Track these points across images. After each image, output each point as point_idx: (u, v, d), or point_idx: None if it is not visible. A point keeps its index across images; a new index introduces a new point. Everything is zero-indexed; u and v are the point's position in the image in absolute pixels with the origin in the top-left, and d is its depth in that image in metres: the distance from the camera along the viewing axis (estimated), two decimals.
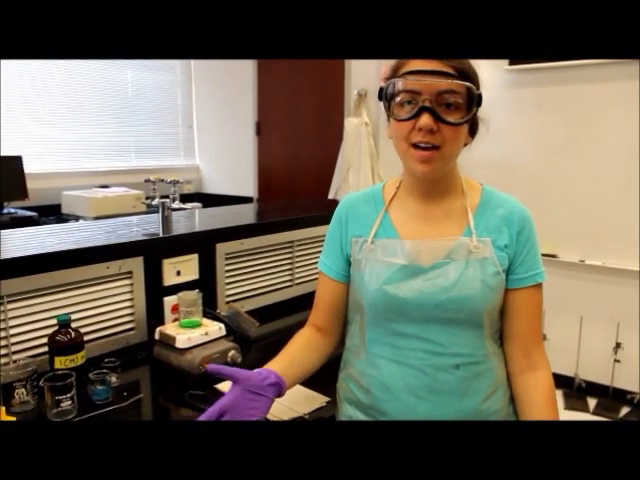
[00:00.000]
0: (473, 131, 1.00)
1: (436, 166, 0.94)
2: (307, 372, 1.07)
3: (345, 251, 1.08)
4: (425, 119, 0.90)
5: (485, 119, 1.01)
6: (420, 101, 0.90)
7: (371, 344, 1.03)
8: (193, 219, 2.02)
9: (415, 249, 0.99)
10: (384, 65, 1.00)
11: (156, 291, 1.56)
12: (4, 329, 1.27)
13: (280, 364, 1.01)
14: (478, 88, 0.95)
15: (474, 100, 0.92)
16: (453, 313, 0.96)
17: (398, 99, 0.94)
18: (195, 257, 1.66)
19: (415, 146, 0.93)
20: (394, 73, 0.96)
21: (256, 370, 0.97)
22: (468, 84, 0.91)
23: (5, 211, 3.36)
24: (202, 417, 0.91)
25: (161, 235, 1.63)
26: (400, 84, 0.93)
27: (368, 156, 3.47)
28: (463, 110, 0.92)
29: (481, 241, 0.98)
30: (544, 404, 0.99)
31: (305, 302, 1.82)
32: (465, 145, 0.99)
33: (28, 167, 3.52)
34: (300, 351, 1.07)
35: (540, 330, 1.03)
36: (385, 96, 0.96)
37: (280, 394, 0.97)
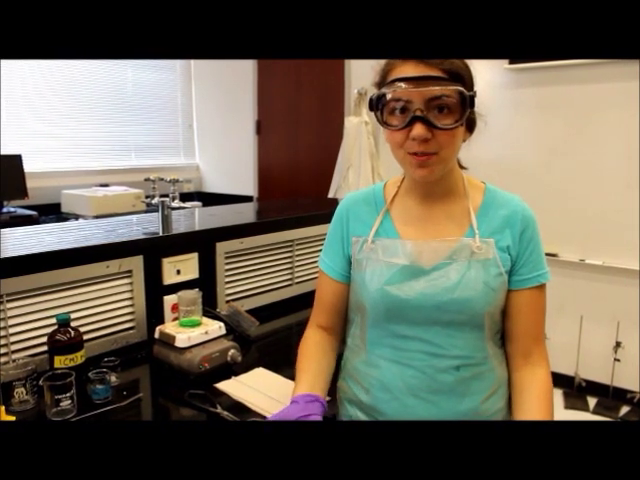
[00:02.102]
0: (471, 127, 0.98)
1: (435, 169, 0.93)
2: (331, 375, 1.08)
3: (346, 250, 1.08)
4: (418, 129, 0.88)
5: (483, 114, 0.98)
6: (411, 110, 0.88)
7: (371, 345, 1.03)
8: (193, 218, 2.02)
9: (417, 249, 0.98)
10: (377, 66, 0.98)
11: (156, 290, 1.56)
12: (3, 328, 1.27)
13: (307, 382, 1.01)
14: (472, 86, 0.92)
15: (467, 101, 0.89)
16: (454, 315, 0.96)
17: (389, 108, 0.92)
18: (195, 256, 1.66)
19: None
20: (382, 79, 0.94)
21: (293, 402, 0.96)
22: (459, 88, 0.88)
23: (5, 210, 3.35)
24: None
25: (161, 234, 1.63)
26: (389, 93, 0.90)
27: (368, 155, 3.47)
28: (457, 112, 0.89)
29: (484, 242, 0.97)
30: (537, 398, 0.97)
31: (305, 301, 1.83)
32: (464, 141, 0.97)
33: (28, 166, 3.52)
34: (324, 361, 1.08)
35: (542, 331, 1.02)
36: (376, 105, 0.94)
37: (324, 405, 0.97)
